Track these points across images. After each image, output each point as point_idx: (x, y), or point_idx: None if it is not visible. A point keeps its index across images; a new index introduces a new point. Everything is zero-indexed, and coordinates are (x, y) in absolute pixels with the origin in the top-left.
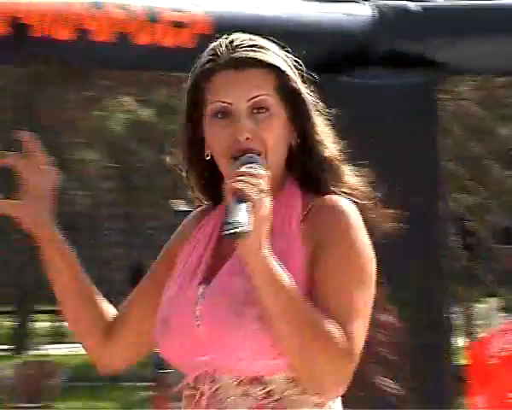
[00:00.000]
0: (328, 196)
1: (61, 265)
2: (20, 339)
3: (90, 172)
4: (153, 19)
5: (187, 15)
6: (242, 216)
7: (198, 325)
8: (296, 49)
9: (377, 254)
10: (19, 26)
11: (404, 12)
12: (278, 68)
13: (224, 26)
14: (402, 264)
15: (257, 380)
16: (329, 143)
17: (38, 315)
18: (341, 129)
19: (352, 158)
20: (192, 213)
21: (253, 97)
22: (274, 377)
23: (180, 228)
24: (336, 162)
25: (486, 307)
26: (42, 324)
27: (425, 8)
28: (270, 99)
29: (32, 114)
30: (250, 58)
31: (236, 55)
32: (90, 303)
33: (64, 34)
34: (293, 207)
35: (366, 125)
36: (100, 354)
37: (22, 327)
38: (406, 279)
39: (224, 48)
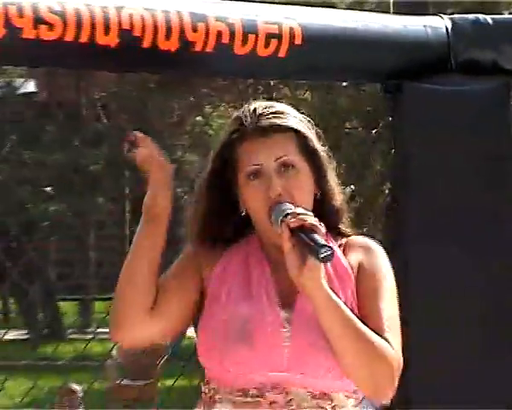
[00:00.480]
0: (355, 237)
1: (159, 241)
2: None
3: (190, 173)
4: (250, 30)
5: (280, 27)
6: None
7: (285, 346)
8: (381, 58)
9: None
10: (130, 38)
11: (476, 23)
12: (298, 131)
13: (313, 36)
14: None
15: (326, 395)
16: (338, 194)
17: None
18: (421, 129)
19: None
20: (190, 250)
21: (280, 157)
22: (338, 393)
23: (190, 255)
24: (343, 210)
25: None
26: None
27: (494, 20)
28: (295, 158)
29: (143, 118)
30: (273, 125)
31: (261, 123)
32: (155, 282)
33: (168, 45)
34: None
35: (444, 125)
36: (141, 329)
37: None
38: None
39: (249, 118)
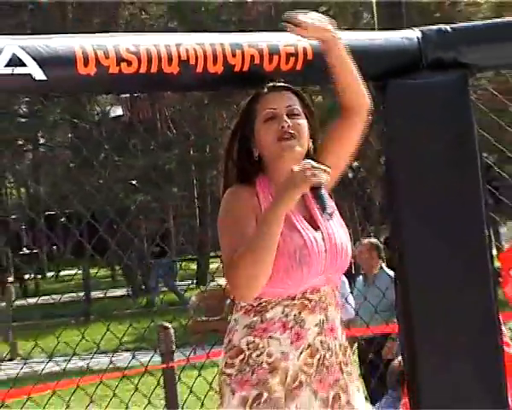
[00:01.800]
0: None
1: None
2: (202, 276)
3: None
4: (274, 52)
5: (296, 48)
6: (329, 200)
7: (325, 258)
8: (371, 64)
9: None
10: (187, 66)
11: (439, 32)
12: (302, 96)
13: (321, 52)
14: None
15: (337, 288)
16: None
17: (212, 259)
18: (402, 115)
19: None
20: (242, 191)
21: (290, 105)
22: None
23: (245, 199)
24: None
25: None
26: (215, 264)
27: (453, 28)
28: (299, 109)
29: (201, 127)
30: (284, 86)
31: (276, 85)
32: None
33: (216, 68)
34: None
35: (419, 110)
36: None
37: (202, 268)
38: None
39: (265, 85)
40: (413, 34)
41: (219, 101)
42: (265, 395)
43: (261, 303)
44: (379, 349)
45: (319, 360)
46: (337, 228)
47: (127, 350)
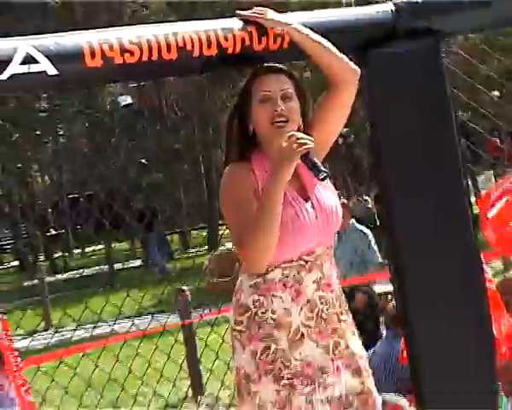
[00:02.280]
0: None
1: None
2: (212, 242)
3: None
4: (263, 33)
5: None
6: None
7: (316, 226)
8: (353, 36)
9: None
10: (184, 51)
11: (410, 3)
12: (295, 79)
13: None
14: None
15: (329, 248)
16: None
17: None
18: (381, 80)
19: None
20: (239, 170)
21: (284, 89)
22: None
23: (244, 174)
24: None
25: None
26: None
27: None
28: (292, 91)
29: (201, 107)
30: (280, 68)
31: (271, 66)
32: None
33: (210, 52)
34: None
35: (397, 76)
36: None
37: (212, 235)
38: None
39: (262, 66)
40: (387, 7)
41: (217, 82)
42: (272, 347)
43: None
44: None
45: (318, 313)
46: (327, 193)
47: (148, 313)
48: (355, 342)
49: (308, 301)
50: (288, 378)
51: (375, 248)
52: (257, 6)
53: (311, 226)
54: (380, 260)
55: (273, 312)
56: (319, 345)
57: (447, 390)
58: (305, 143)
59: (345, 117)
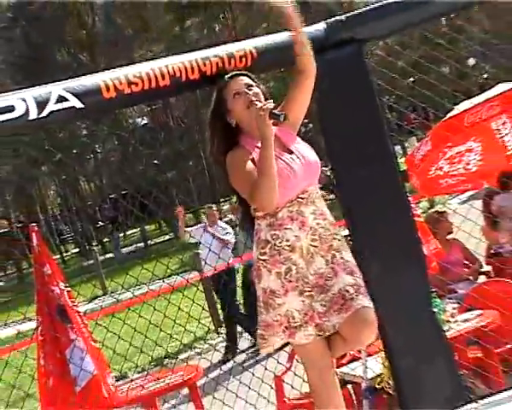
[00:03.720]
0: None
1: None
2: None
3: None
4: (231, 56)
5: (245, 51)
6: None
7: (303, 169)
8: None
9: None
10: (173, 77)
11: (337, 21)
12: (249, 74)
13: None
14: None
15: (317, 187)
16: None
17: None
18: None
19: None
20: (237, 153)
21: (246, 83)
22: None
23: (242, 154)
24: None
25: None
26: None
27: (348, 16)
28: (252, 83)
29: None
30: (238, 73)
31: (233, 73)
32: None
33: (194, 76)
34: None
35: (329, 77)
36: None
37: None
38: None
39: (228, 75)
40: (320, 25)
41: (207, 97)
42: (293, 267)
43: (271, 210)
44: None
45: (319, 235)
46: (305, 147)
47: (176, 274)
48: (347, 254)
49: (311, 228)
50: (308, 291)
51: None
52: None
53: (299, 171)
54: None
55: (287, 240)
56: (324, 259)
57: (394, 294)
58: (266, 104)
59: (308, 100)
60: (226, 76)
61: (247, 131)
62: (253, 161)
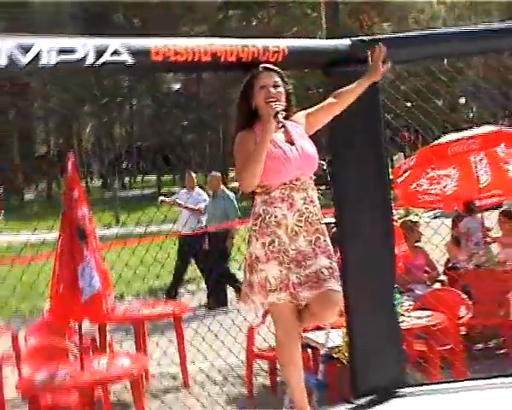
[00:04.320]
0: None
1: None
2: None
3: None
4: (266, 50)
5: (279, 47)
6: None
7: (299, 159)
8: (321, 55)
9: None
10: (214, 56)
11: (361, 41)
12: (280, 73)
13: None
14: None
15: (311, 178)
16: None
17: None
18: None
19: None
20: (245, 134)
21: (274, 81)
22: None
23: (247, 138)
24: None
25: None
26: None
27: (369, 40)
28: (279, 83)
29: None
30: (272, 68)
31: (268, 67)
32: None
33: (231, 59)
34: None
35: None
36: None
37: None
38: None
39: (263, 65)
40: (346, 41)
41: (234, 81)
42: (276, 240)
43: (267, 188)
44: (223, 243)
45: (305, 218)
46: (307, 142)
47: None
48: (328, 238)
49: (298, 211)
50: (287, 263)
51: (236, 206)
52: None
53: (294, 160)
54: (238, 214)
55: (275, 217)
56: (306, 239)
57: (365, 281)
58: (275, 106)
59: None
60: (261, 66)
61: (261, 118)
62: (255, 144)
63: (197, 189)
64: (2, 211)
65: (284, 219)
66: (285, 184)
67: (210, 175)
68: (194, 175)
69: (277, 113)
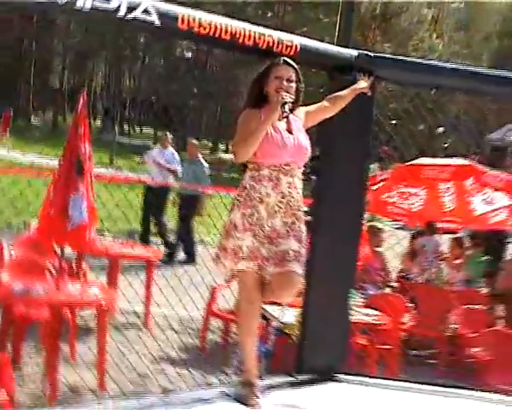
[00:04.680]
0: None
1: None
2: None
3: None
4: (280, 42)
5: (292, 42)
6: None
7: (293, 148)
8: (331, 59)
9: None
10: (233, 36)
11: (365, 55)
12: (296, 68)
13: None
14: None
15: (299, 168)
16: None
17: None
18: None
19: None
20: (251, 112)
21: (289, 76)
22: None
23: (252, 116)
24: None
25: None
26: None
27: (371, 55)
28: (293, 78)
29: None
30: (289, 63)
31: (286, 61)
32: None
33: (249, 42)
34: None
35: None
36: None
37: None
38: None
39: (281, 59)
40: (354, 52)
41: (242, 63)
42: (255, 214)
43: (258, 165)
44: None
45: (286, 201)
46: (303, 138)
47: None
48: (303, 225)
49: (281, 193)
50: (261, 237)
51: (207, 175)
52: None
53: (289, 147)
54: (208, 182)
55: (260, 193)
56: (282, 220)
57: (329, 269)
58: (284, 97)
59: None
60: (283, 58)
61: (269, 103)
62: (257, 122)
63: (170, 148)
64: (8, 130)
65: (267, 197)
66: (275, 166)
67: (189, 142)
68: (169, 136)
69: (285, 103)
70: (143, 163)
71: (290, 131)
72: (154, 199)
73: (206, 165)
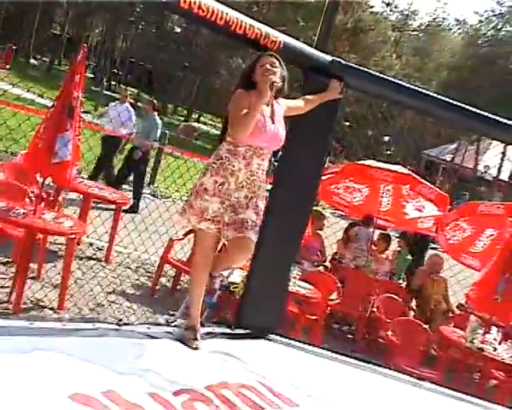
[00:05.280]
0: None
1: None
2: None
3: None
4: (267, 36)
5: (277, 38)
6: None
7: (272, 135)
8: (309, 59)
9: None
10: (226, 22)
11: (339, 62)
12: (279, 59)
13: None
14: None
15: (270, 152)
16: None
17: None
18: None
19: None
20: (243, 93)
21: (273, 62)
22: None
23: (244, 96)
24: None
25: None
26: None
27: (342, 63)
28: (277, 65)
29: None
30: (273, 54)
31: (270, 53)
32: None
33: (241, 31)
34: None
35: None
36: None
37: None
38: None
39: (267, 52)
40: (328, 57)
41: (224, 49)
42: (225, 184)
43: (236, 142)
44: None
45: (253, 180)
46: (281, 127)
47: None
48: (262, 202)
49: (251, 171)
50: (226, 205)
51: (158, 132)
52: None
53: (267, 134)
54: (156, 137)
55: (233, 166)
56: (246, 194)
57: (276, 241)
58: (271, 77)
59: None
60: (267, 52)
61: (258, 88)
62: (248, 106)
63: (127, 104)
64: (8, 66)
65: (238, 171)
66: (251, 146)
67: (147, 100)
68: (128, 92)
69: (273, 82)
70: (101, 115)
71: (273, 120)
72: (107, 148)
73: (159, 122)
